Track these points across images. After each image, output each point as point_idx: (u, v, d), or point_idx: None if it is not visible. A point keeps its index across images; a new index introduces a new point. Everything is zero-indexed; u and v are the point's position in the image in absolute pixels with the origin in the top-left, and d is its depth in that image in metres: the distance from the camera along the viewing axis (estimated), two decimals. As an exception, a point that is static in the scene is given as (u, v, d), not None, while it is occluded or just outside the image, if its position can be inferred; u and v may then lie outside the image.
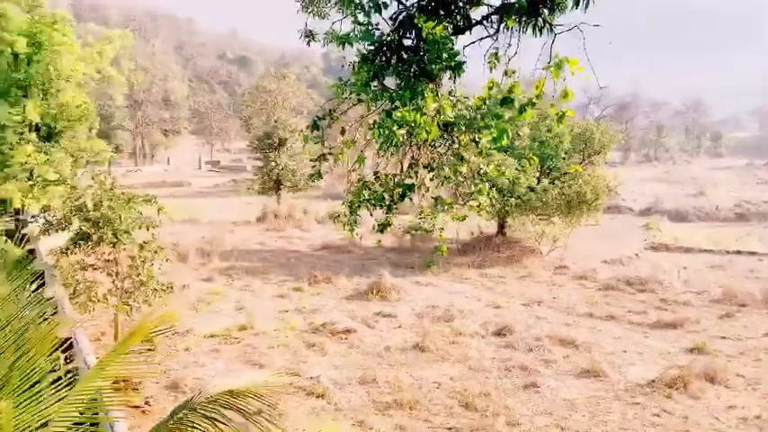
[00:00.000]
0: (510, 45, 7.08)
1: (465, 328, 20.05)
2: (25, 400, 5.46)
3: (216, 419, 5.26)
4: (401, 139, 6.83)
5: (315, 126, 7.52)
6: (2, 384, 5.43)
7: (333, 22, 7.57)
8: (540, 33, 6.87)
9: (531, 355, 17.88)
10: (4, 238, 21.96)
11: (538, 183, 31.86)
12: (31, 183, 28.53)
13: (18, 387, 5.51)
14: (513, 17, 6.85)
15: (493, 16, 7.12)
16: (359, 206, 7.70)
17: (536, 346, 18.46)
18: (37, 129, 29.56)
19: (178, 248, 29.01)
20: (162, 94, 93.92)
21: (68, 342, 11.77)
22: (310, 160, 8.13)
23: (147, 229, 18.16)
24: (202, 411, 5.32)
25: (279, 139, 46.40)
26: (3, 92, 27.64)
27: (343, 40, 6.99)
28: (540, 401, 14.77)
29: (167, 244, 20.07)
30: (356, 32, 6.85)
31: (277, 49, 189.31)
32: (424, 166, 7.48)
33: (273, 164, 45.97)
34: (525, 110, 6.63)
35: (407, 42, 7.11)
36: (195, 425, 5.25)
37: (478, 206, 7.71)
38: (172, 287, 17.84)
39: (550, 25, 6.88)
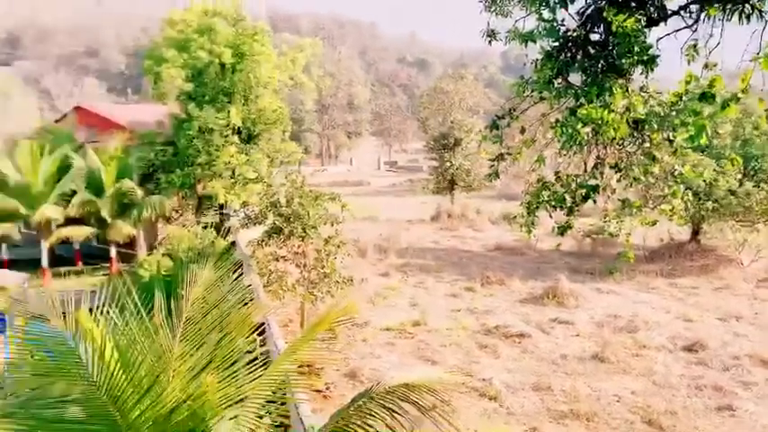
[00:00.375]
0: (711, 35, 6.47)
1: (650, 341, 18.68)
2: (226, 377, 6.05)
3: (393, 410, 5.44)
4: (585, 137, 6.54)
5: (494, 125, 7.46)
6: (208, 360, 6.06)
7: (515, 21, 7.45)
8: (748, 21, 6.20)
9: (726, 374, 16.20)
10: (212, 230, 24.57)
11: (740, 185, 28.70)
12: (233, 181, 31.67)
13: (220, 364, 6.11)
14: (716, 5, 6.25)
15: (692, 5, 6.56)
16: (537, 207, 7.51)
17: (733, 365, 16.69)
18: (239, 132, 32.72)
19: (358, 244, 30.35)
20: (347, 99, 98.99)
21: (262, 327, 12.89)
22: (488, 160, 8.08)
23: (332, 225, 19.29)
24: (381, 401, 5.53)
25: (454, 140, 46.71)
26: (212, 98, 30.97)
27: (526, 38, 6.85)
28: (736, 426, 13.34)
29: (349, 239, 21.09)
30: (540, 29, 6.68)
31: (455, 50, 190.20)
32: (611, 167, 7.09)
33: (448, 164, 46.37)
34: (728, 105, 6.00)
35: (595, 37, 6.79)
36: (374, 413, 5.47)
37: (671, 210, 7.14)
38: (352, 280, 18.76)
39: (760, 11, 6.18)
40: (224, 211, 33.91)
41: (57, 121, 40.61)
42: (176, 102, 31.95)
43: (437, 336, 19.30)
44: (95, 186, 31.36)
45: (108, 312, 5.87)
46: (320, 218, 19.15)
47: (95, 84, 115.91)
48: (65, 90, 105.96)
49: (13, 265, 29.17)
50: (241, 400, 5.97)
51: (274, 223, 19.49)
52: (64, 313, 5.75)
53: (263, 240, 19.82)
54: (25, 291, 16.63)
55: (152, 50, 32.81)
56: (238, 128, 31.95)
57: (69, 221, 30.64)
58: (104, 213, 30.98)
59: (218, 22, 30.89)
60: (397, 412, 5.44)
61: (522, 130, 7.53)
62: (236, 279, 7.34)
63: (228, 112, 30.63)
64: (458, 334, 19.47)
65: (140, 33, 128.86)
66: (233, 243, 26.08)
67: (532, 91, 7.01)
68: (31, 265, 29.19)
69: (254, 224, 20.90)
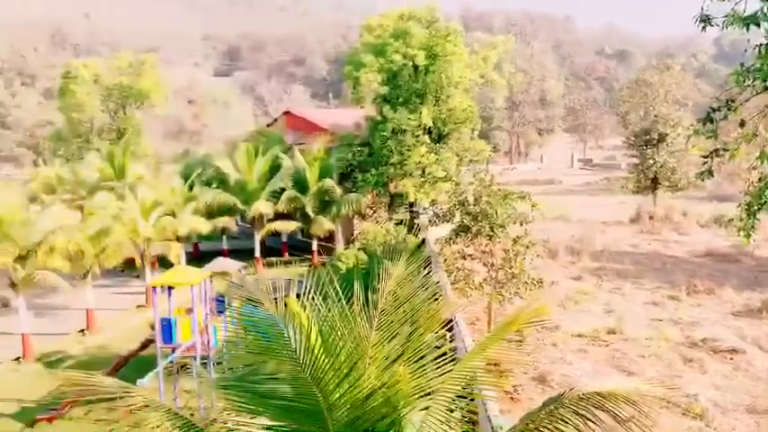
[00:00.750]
0: None
1: None
2: (417, 369, 6.23)
3: (587, 418, 5.23)
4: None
5: (708, 119, 6.80)
6: (401, 351, 6.29)
7: (735, 3, 6.71)
8: None
9: None
10: (403, 227, 25.44)
11: None
12: (423, 179, 32.54)
13: (411, 356, 6.31)
14: None
15: None
16: (759, 209, 6.73)
17: None
18: (429, 131, 33.51)
19: (548, 245, 29.38)
20: (539, 94, 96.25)
21: (449, 323, 13.08)
22: (700, 156, 7.40)
23: (521, 225, 18.94)
24: (573, 407, 5.34)
25: (658, 135, 43.24)
26: (405, 100, 32.06)
27: (749, 21, 6.15)
28: None
29: (538, 240, 20.54)
30: (766, 10, 5.97)
31: (659, 39, 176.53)
32: None
33: (651, 161, 43.05)
34: None
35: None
36: (565, 419, 5.30)
37: None
38: (542, 282, 18.27)
39: None
40: (414, 209, 34.93)
41: (268, 126, 44.86)
42: (372, 104, 33.56)
43: (635, 345, 18.11)
44: (301, 184, 34.17)
45: (313, 299, 6.34)
46: (508, 217, 18.90)
47: (301, 90, 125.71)
48: (276, 96, 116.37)
49: (231, 254, 32.74)
50: (430, 392, 6.12)
51: (462, 221, 19.62)
52: (276, 298, 6.33)
53: (450, 238, 20.05)
54: (242, 277, 18.55)
55: (351, 56, 34.80)
56: (429, 128, 32.70)
57: (278, 216, 33.76)
58: (308, 209, 33.65)
59: (413, 25, 31.83)
60: (590, 420, 5.22)
61: (742, 124, 6.79)
62: (425, 275, 7.52)
63: (420, 112, 31.47)
64: (658, 345, 18.08)
65: (341, 40, 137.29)
66: (422, 240, 26.76)
67: (754, 80, 6.29)
68: (245, 254, 32.54)
69: (442, 222, 21.22)
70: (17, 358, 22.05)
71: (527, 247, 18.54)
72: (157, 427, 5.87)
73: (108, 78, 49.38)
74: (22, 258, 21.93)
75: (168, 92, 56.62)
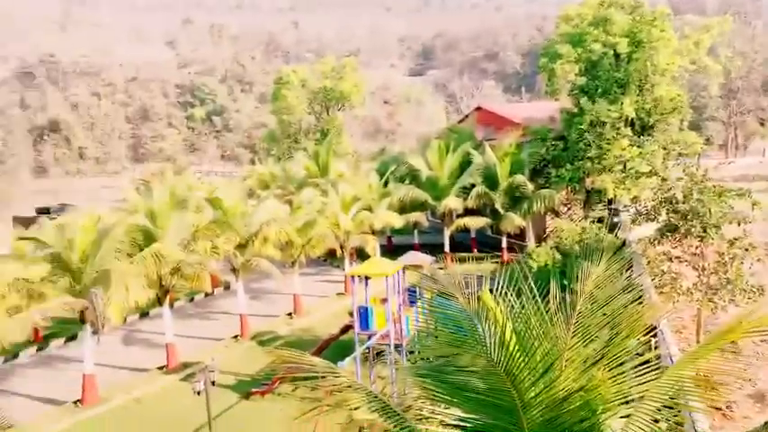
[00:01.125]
0: None
1: None
2: (616, 375, 5.92)
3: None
4: None
5: None
6: (599, 356, 6.01)
7: None
8: None
9: None
10: (601, 225, 24.20)
11: None
12: (623, 175, 30.62)
13: (611, 361, 6.00)
14: None
15: None
16: None
17: None
18: (631, 123, 31.40)
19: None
20: (761, 80, 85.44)
21: (653, 330, 12.20)
22: None
23: (738, 225, 17.09)
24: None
25: None
26: (604, 91, 30.39)
27: None
28: None
29: (759, 242, 18.32)
30: None
31: None
32: None
33: None
34: None
35: None
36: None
37: None
38: (763, 290, 16.33)
39: None
40: (613, 207, 33.01)
41: (459, 122, 45.23)
42: (568, 96, 32.31)
43: None
44: (490, 180, 34.02)
45: (506, 296, 6.28)
46: (724, 216, 17.12)
47: (492, 85, 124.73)
48: (467, 93, 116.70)
49: (421, 248, 33.67)
50: (631, 400, 5.79)
51: (669, 220, 18.20)
52: (468, 293, 6.38)
53: (655, 238, 18.71)
54: (434, 270, 18.99)
55: (547, 48, 33.78)
56: (631, 119, 30.70)
57: (467, 212, 34.00)
58: (498, 205, 33.43)
59: (615, 11, 30.09)
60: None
61: None
62: (626, 278, 7.09)
63: (621, 103, 29.66)
64: None
65: (535, 33, 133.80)
66: (623, 240, 25.22)
67: None
68: (435, 249, 33.21)
69: (646, 221, 19.84)
70: (235, 336, 24.79)
71: (746, 249, 16.69)
72: (356, 408, 6.23)
73: (313, 82, 53.31)
74: (241, 246, 24.61)
75: (366, 93, 59.58)
